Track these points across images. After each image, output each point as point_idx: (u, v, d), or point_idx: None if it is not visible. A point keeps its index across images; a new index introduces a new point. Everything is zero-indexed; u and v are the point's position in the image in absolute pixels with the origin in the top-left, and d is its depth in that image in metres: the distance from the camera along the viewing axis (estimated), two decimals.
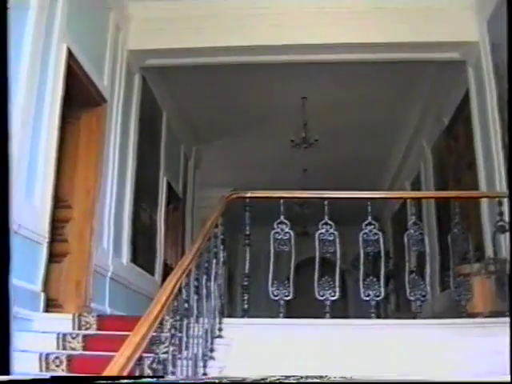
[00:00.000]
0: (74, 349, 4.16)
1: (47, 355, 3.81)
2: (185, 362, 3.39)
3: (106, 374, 2.29)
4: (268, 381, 3.06)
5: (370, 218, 4.79)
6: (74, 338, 4.22)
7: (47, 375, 3.66)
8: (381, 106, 9.43)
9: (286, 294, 4.61)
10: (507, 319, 4.45)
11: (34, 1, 4.55)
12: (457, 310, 4.72)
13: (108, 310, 5.83)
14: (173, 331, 3.19)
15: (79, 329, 4.58)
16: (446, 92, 8.28)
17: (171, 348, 3.12)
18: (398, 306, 12.07)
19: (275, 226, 4.76)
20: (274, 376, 3.05)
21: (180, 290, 3.35)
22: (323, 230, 4.76)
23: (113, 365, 2.32)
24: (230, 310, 10.17)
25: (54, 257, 5.06)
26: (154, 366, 2.88)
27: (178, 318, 3.30)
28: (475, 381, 3.50)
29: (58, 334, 4.23)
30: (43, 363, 3.78)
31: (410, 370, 3.90)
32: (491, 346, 4.08)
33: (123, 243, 6.62)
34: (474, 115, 6.90)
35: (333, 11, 6.64)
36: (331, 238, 4.74)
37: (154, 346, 2.88)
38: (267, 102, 9.34)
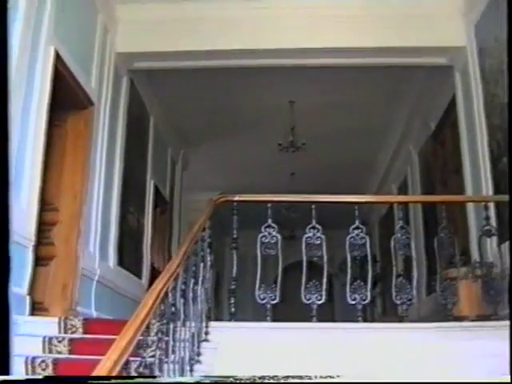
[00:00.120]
0: (60, 352, 4.14)
1: (33, 359, 3.79)
2: (171, 366, 3.39)
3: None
4: (267, 381, 3.07)
5: (357, 222, 4.80)
6: (60, 342, 4.20)
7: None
8: (368, 110, 9.46)
9: (273, 297, 4.60)
10: (493, 323, 4.49)
11: (21, 3, 4.53)
12: (443, 313, 4.74)
13: (94, 314, 5.81)
14: (159, 335, 3.18)
15: (65, 332, 4.55)
16: (433, 97, 8.32)
17: (158, 352, 3.11)
18: (384, 310, 12.11)
19: (262, 230, 4.76)
20: (274, 376, 3.06)
21: (167, 294, 3.34)
22: (310, 234, 4.77)
23: (99, 369, 2.31)
24: (216, 313, 10.16)
25: (40, 260, 5.03)
26: (141, 369, 2.87)
27: (164, 321, 3.30)
28: (475, 381, 3.51)
29: (44, 337, 4.21)
30: (29, 367, 3.76)
31: (397, 373, 3.92)
32: (477, 350, 4.11)
33: (110, 246, 6.60)
34: (460, 120, 6.94)
35: (321, 16, 6.66)
36: (318, 242, 4.75)
37: (140, 350, 2.87)
38: (255, 106, 9.35)
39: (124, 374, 2.51)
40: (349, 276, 4.73)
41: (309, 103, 9.22)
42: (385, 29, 6.63)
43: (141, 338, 2.79)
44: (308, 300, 4.59)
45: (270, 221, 4.81)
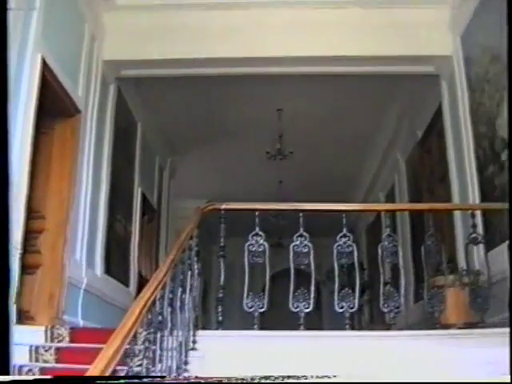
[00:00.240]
0: (46, 361, 4.11)
1: (20, 367, 3.76)
2: (159, 375, 3.37)
3: None
4: (263, 381, 3.07)
5: (344, 230, 4.81)
6: (46, 351, 4.17)
7: None
8: (356, 119, 9.50)
9: (261, 305, 4.59)
10: (480, 330, 4.51)
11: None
12: (430, 321, 4.75)
13: (81, 322, 5.77)
14: (147, 344, 3.17)
15: (52, 341, 4.52)
16: (420, 105, 8.36)
17: (145, 361, 3.09)
18: (372, 317, 12.12)
19: (249, 238, 4.76)
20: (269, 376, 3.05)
21: (154, 303, 3.33)
22: (297, 242, 4.76)
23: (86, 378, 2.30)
24: (204, 321, 10.13)
25: (26, 268, 5.00)
26: None
27: (151, 330, 3.28)
28: (475, 381, 3.52)
29: (31, 346, 4.18)
30: (16, 376, 3.72)
31: (384, 380, 3.92)
32: (465, 357, 4.12)
33: (97, 254, 6.56)
34: (446, 128, 6.97)
35: (308, 24, 6.68)
36: (306, 250, 4.75)
37: (127, 359, 2.86)
38: (243, 114, 9.36)
39: None
40: (336, 284, 4.73)
41: (297, 111, 9.25)
42: (372, 38, 6.66)
43: (128, 346, 2.78)
44: (296, 308, 4.58)
45: (257, 229, 4.80)
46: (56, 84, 5.52)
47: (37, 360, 4.11)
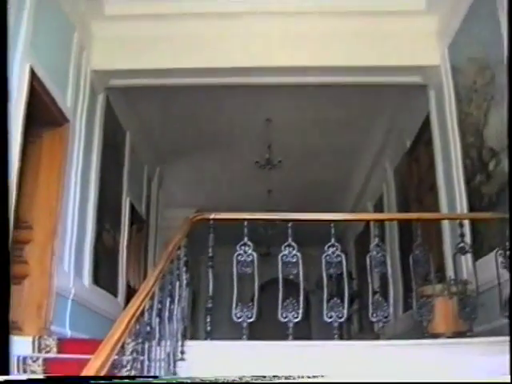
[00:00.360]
0: (34, 372, 4.08)
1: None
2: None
3: None
4: (260, 381, 3.07)
5: (332, 239, 4.81)
6: (34, 362, 4.14)
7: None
8: (344, 128, 9.53)
9: (250, 315, 4.58)
10: (468, 339, 4.52)
11: None
12: (419, 330, 4.75)
13: (69, 333, 5.74)
14: (135, 355, 3.16)
15: (39, 352, 4.50)
16: (408, 114, 8.41)
17: (133, 372, 3.08)
18: (361, 327, 12.13)
19: (238, 248, 4.75)
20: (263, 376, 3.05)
21: (142, 313, 3.31)
22: (286, 252, 4.76)
23: None
24: (193, 331, 10.11)
25: (13, 279, 4.96)
26: None
27: (140, 340, 3.27)
28: (475, 381, 3.52)
29: (18, 356, 4.15)
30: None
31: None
32: (454, 366, 4.12)
33: (85, 265, 6.53)
34: (434, 138, 7.01)
35: (297, 35, 6.71)
36: (294, 260, 4.74)
37: (115, 370, 2.84)
38: (232, 123, 9.38)
39: None
40: (325, 294, 4.72)
41: (285, 121, 9.27)
42: (360, 48, 6.69)
43: (116, 357, 2.76)
44: (285, 318, 4.57)
45: (246, 239, 4.79)
46: (44, 93, 5.51)
47: (24, 371, 4.08)
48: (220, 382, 3.27)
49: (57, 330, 5.45)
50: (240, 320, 4.58)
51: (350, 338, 12.12)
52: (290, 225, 4.83)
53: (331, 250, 4.77)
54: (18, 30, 4.89)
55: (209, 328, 4.65)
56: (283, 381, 3.66)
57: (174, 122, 9.33)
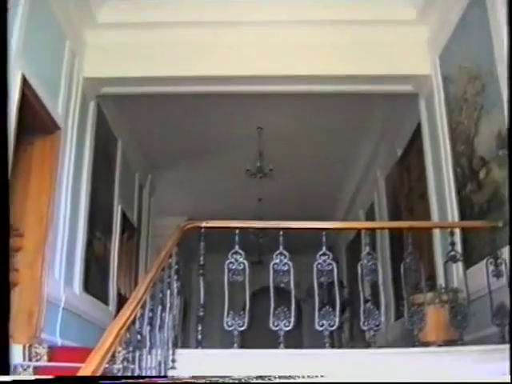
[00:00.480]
0: None
1: None
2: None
3: None
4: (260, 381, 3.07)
5: (324, 248, 4.81)
6: (25, 370, 4.13)
7: None
8: (335, 136, 9.56)
9: (241, 324, 4.57)
10: (459, 348, 4.53)
11: None
12: (410, 338, 4.76)
13: (59, 341, 5.71)
14: (125, 363, 3.15)
15: (30, 360, 4.47)
16: (399, 123, 8.43)
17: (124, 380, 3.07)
18: (352, 335, 12.12)
19: (229, 257, 4.74)
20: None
21: (134, 322, 3.31)
22: (277, 261, 4.76)
23: None
24: (184, 339, 10.07)
25: None
26: None
27: (130, 349, 3.26)
28: (475, 381, 3.53)
29: None
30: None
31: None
32: (444, 374, 4.13)
33: (76, 272, 6.51)
34: (425, 146, 7.03)
35: (288, 44, 6.74)
36: (286, 269, 4.74)
37: None
38: (223, 132, 9.38)
39: None
40: (316, 303, 4.72)
41: (277, 129, 9.29)
42: (351, 57, 6.72)
43: (106, 366, 2.76)
44: (276, 326, 4.57)
45: (237, 247, 4.79)
46: (36, 101, 5.50)
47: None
48: (220, 382, 3.27)
49: (47, 338, 5.42)
50: (231, 328, 4.57)
51: (341, 346, 12.10)
52: (281, 233, 4.83)
53: (323, 258, 4.77)
54: (10, 37, 4.88)
55: (200, 336, 4.63)
56: (283, 381, 3.67)
57: (165, 129, 9.34)
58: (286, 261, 4.75)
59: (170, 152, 10.23)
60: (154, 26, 6.69)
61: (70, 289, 6.24)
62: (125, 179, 8.81)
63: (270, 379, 3.56)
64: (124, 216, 8.82)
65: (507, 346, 4.05)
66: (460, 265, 5.30)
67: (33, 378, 3.24)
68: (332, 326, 4.60)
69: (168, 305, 4.25)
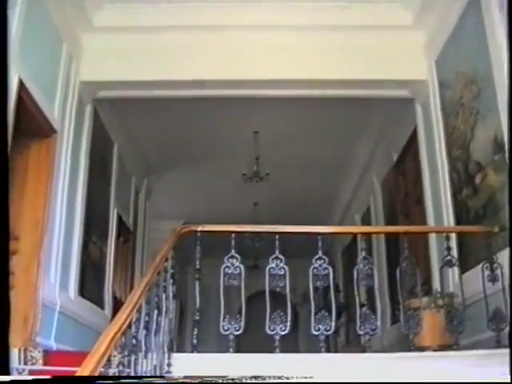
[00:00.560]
0: None
1: None
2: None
3: None
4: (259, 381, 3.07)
5: (320, 252, 4.81)
6: (20, 373, 4.12)
7: None
8: (332, 141, 9.58)
9: (237, 328, 4.56)
10: (454, 352, 4.53)
11: None
12: (406, 343, 4.76)
13: (54, 345, 5.70)
14: (120, 367, 3.14)
15: (25, 364, 4.46)
16: (396, 128, 8.45)
17: None
18: (348, 339, 12.12)
19: (225, 261, 4.73)
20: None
21: (129, 326, 3.30)
22: (273, 265, 4.75)
23: None
24: (180, 343, 10.06)
25: None
26: None
27: (126, 353, 3.25)
28: (475, 381, 3.53)
29: None
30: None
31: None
32: (439, 379, 4.12)
33: (71, 276, 6.50)
34: (421, 151, 7.04)
35: (284, 48, 6.75)
36: (281, 273, 4.73)
37: None
38: (220, 136, 9.39)
39: None
40: (312, 307, 4.72)
41: (273, 134, 9.29)
42: (348, 62, 6.74)
43: (102, 370, 2.75)
44: (272, 331, 4.56)
45: (233, 251, 4.78)
46: (32, 104, 5.49)
47: None
48: (220, 382, 3.27)
49: (42, 342, 5.41)
50: (227, 332, 4.56)
51: (336, 350, 12.10)
52: (277, 237, 4.83)
53: (318, 262, 4.77)
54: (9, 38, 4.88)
55: (195, 341, 4.62)
56: (281, 381, 3.67)
57: (161, 133, 9.34)
58: (281, 265, 4.74)
59: (167, 156, 10.23)
60: (151, 30, 6.69)
61: (65, 293, 6.23)
62: (121, 183, 8.80)
63: (264, 379, 3.56)
64: (120, 220, 8.81)
65: (503, 350, 4.06)
66: (456, 269, 5.31)
67: (31, 378, 3.23)
68: (328, 331, 4.59)
69: (164, 309, 4.24)
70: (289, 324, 4.58)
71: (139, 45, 6.75)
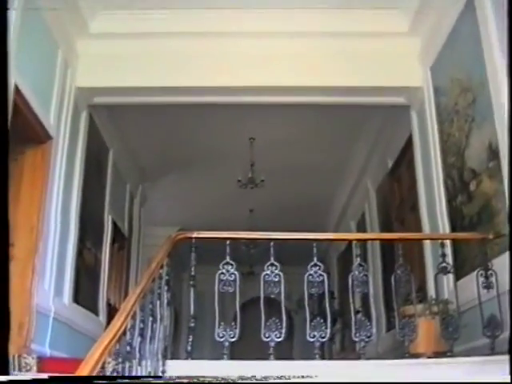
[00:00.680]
0: None
1: None
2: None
3: None
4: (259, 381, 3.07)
5: (315, 259, 4.80)
6: None
7: None
8: (327, 148, 9.59)
9: (232, 335, 4.55)
10: (448, 359, 4.53)
11: None
12: (401, 350, 4.75)
13: (48, 352, 5.68)
14: (115, 374, 3.13)
15: (19, 370, 4.45)
16: (391, 134, 8.46)
17: None
18: (343, 346, 12.11)
19: (221, 267, 4.72)
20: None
21: (124, 333, 3.30)
22: (268, 272, 4.74)
23: None
24: (174, 350, 10.04)
25: None
26: None
27: (120, 360, 3.25)
28: (475, 381, 3.52)
29: None
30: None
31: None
32: None
33: (66, 283, 6.48)
34: (416, 158, 7.05)
35: (280, 55, 6.75)
36: (276, 280, 4.73)
37: None
38: (215, 142, 9.39)
39: None
40: (307, 314, 4.71)
41: (269, 140, 9.30)
42: (343, 69, 6.75)
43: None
44: (267, 338, 4.55)
45: (228, 258, 4.78)
46: (28, 110, 5.49)
47: None
48: (220, 381, 3.27)
49: (37, 349, 5.39)
50: (222, 339, 4.55)
51: (331, 357, 12.09)
52: (272, 244, 4.83)
53: (314, 269, 4.76)
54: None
55: (189, 348, 4.61)
56: (280, 381, 3.67)
57: (157, 140, 9.34)
58: (276, 272, 4.74)
59: (162, 162, 10.23)
60: (147, 37, 6.69)
61: (59, 299, 6.21)
62: (116, 189, 8.79)
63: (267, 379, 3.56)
64: (115, 226, 8.80)
65: (498, 357, 4.07)
66: (451, 276, 5.31)
67: (29, 377, 3.21)
68: (323, 338, 4.59)
69: (158, 316, 4.23)
70: (284, 331, 4.58)
71: (135, 51, 6.76)
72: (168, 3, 6.56)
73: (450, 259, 5.27)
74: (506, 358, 3.69)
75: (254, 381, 3.55)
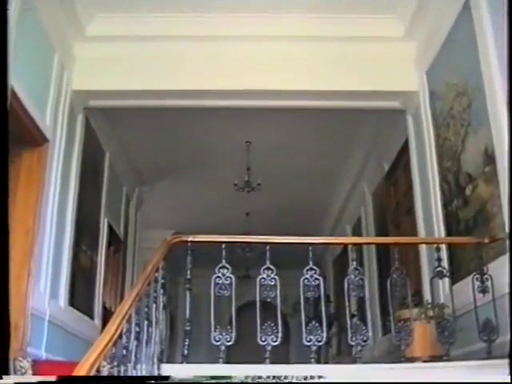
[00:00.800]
0: None
1: None
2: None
3: None
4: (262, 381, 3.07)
5: (311, 263, 4.80)
6: None
7: None
8: (323, 151, 9.60)
9: (228, 339, 4.55)
10: (444, 363, 4.53)
11: None
12: (397, 354, 4.75)
13: (44, 355, 5.67)
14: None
15: (14, 373, 4.43)
16: (387, 139, 8.47)
17: None
18: (339, 350, 12.11)
19: (216, 271, 4.72)
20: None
21: (119, 336, 3.29)
22: (264, 275, 4.74)
23: None
24: (170, 354, 10.02)
25: None
26: None
27: (115, 364, 3.24)
28: (475, 381, 3.52)
29: None
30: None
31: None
32: None
33: (61, 286, 6.46)
34: (412, 162, 7.06)
35: (277, 59, 6.76)
36: (272, 283, 4.72)
37: None
38: (211, 146, 9.40)
39: None
40: (303, 318, 4.71)
41: (265, 144, 9.31)
42: (339, 73, 6.76)
43: None
44: (263, 341, 4.55)
45: (223, 261, 4.77)
46: (24, 113, 5.48)
47: None
48: (219, 381, 3.27)
49: (32, 352, 5.38)
50: (218, 343, 4.54)
51: (327, 361, 12.08)
52: (268, 248, 4.82)
53: (309, 273, 4.76)
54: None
55: (186, 351, 4.60)
56: (282, 381, 3.66)
57: (153, 143, 9.34)
58: (272, 275, 4.73)
59: (158, 165, 10.23)
60: (143, 40, 6.69)
61: (55, 302, 6.20)
62: (112, 192, 8.79)
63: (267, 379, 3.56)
64: (111, 229, 8.79)
65: (494, 361, 4.07)
66: (446, 280, 5.31)
67: (34, 379, 3.20)
68: (320, 342, 4.58)
69: (154, 319, 4.23)
70: (280, 335, 4.57)
71: (131, 54, 6.76)
72: (164, 6, 6.56)
73: (445, 263, 5.28)
74: (504, 362, 3.70)
75: (257, 380, 3.54)
